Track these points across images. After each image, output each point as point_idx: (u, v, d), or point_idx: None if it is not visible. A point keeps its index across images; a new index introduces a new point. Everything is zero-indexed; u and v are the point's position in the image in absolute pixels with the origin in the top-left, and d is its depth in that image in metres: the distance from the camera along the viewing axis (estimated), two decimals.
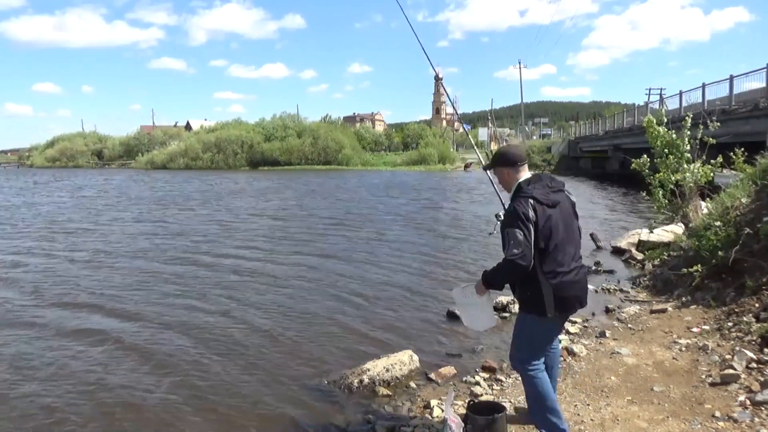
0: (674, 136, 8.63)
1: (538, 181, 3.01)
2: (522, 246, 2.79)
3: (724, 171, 9.11)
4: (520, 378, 3.53)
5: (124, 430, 3.77)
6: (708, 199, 8.27)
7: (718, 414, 3.28)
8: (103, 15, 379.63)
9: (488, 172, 3.36)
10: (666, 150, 8.69)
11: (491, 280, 3.04)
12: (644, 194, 9.54)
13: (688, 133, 8.61)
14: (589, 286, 6.72)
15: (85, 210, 18.52)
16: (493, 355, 4.81)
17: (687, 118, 8.78)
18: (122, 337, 5.51)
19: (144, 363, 4.88)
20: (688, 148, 8.54)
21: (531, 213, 2.84)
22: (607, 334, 4.98)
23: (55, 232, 13.06)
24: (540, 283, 2.86)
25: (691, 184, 8.50)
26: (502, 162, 3.13)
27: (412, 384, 4.31)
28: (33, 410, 4.04)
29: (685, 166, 8.53)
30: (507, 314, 5.83)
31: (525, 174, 3.08)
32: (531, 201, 2.87)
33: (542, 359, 3.08)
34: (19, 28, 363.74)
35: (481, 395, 3.90)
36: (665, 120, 9.01)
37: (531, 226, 2.82)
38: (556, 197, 2.96)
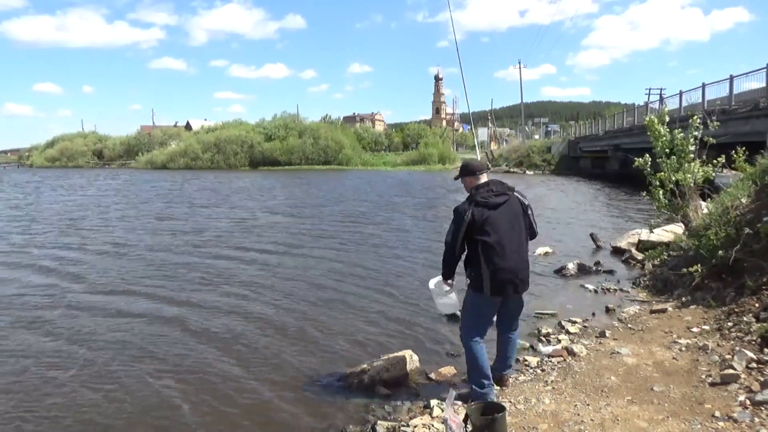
0: (680, 135, 8.60)
1: (484, 187, 3.72)
2: (450, 238, 3.70)
3: (724, 171, 9.10)
4: (515, 377, 4.12)
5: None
6: (708, 199, 8.27)
7: (718, 414, 3.28)
8: (104, 15, 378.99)
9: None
10: (668, 150, 8.67)
11: (443, 270, 3.92)
12: (644, 194, 9.54)
13: (695, 134, 8.59)
14: (589, 286, 6.89)
15: (98, 208, 18.98)
16: (493, 355, 4.79)
17: (695, 117, 8.74)
18: (134, 326, 5.62)
19: (135, 361, 4.89)
20: (692, 148, 8.53)
21: (468, 214, 3.62)
22: (607, 334, 4.98)
23: (76, 229, 13.51)
24: (481, 268, 3.62)
25: (691, 184, 8.49)
26: (465, 172, 3.88)
27: (412, 384, 4.30)
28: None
29: (687, 165, 8.52)
30: None
31: (483, 180, 3.79)
32: (472, 204, 3.66)
33: (482, 335, 3.80)
34: (20, 29, 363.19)
35: None
36: (667, 119, 9.00)
37: (462, 226, 3.62)
38: (497, 200, 3.66)
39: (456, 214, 3.70)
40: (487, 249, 3.60)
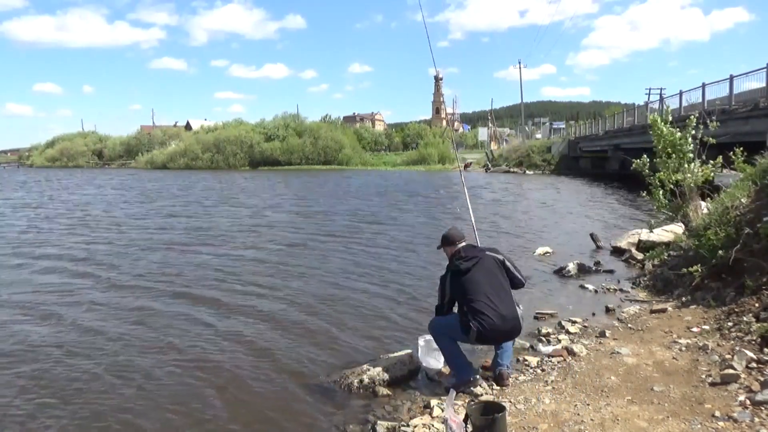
0: (678, 135, 8.62)
1: (456, 254, 4.18)
2: (438, 303, 4.26)
3: (724, 171, 9.11)
4: (515, 377, 4.19)
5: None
6: (708, 199, 8.27)
7: (718, 414, 3.28)
8: (105, 15, 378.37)
9: (447, 250, 4.37)
10: (668, 149, 8.69)
11: None
12: (644, 194, 9.54)
13: (692, 132, 8.60)
14: (589, 286, 6.91)
15: (111, 205, 19.83)
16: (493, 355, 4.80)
17: (692, 117, 8.76)
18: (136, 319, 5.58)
19: (134, 359, 4.89)
20: (691, 147, 8.54)
21: (448, 280, 4.14)
22: (607, 334, 4.98)
23: (89, 227, 13.92)
24: (470, 322, 3.92)
25: (691, 184, 8.51)
26: (444, 243, 4.34)
27: (412, 384, 4.31)
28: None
29: (686, 165, 8.53)
30: None
31: (461, 245, 4.23)
32: (450, 272, 4.15)
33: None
34: (21, 29, 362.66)
35: (481, 395, 3.90)
36: (670, 119, 9.00)
37: (445, 292, 4.16)
38: (467, 264, 4.07)
39: (439, 283, 4.24)
40: (473, 311, 3.92)
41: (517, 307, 4.07)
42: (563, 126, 61.79)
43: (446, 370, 4.47)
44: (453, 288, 4.10)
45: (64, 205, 20.03)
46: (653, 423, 3.26)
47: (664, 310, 5.53)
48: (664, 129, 8.71)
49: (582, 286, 7.12)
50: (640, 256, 8.50)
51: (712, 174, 8.60)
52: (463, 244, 4.23)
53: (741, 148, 7.99)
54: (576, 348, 4.60)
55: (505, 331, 3.99)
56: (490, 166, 46.68)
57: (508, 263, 4.19)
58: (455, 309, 4.19)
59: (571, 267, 7.95)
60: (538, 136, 61.32)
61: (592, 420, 3.35)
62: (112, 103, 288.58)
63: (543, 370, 4.26)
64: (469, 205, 5.89)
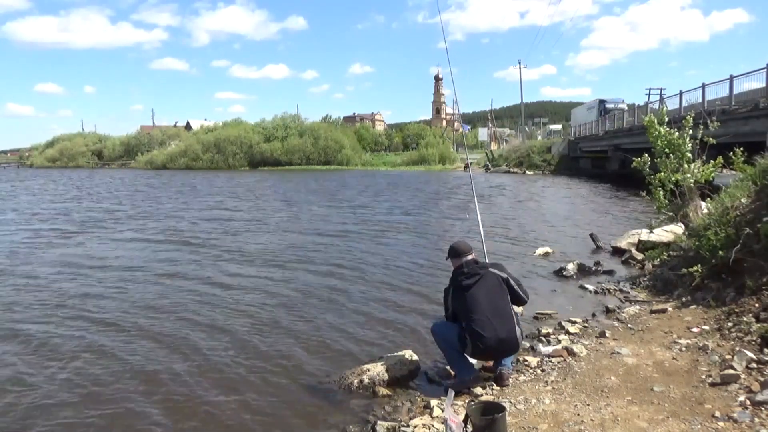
0: (675, 135, 8.63)
1: (458, 268, 4.22)
2: (445, 311, 4.33)
3: (724, 171, 9.11)
4: (515, 377, 4.19)
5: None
6: (708, 199, 8.27)
7: (718, 414, 3.28)
8: (109, 16, 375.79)
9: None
10: (667, 150, 8.69)
11: None
12: (644, 194, 9.54)
13: (690, 132, 8.61)
14: (589, 287, 6.90)
15: (155, 202, 21.42)
16: None
17: (688, 117, 8.78)
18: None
19: (134, 357, 4.89)
20: (689, 147, 8.54)
21: (450, 294, 4.23)
22: (607, 334, 4.98)
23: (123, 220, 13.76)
24: (467, 338, 4.00)
25: (691, 184, 8.51)
26: (450, 254, 4.35)
27: (412, 384, 4.31)
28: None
29: (686, 166, 8.53)
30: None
31: (464, 260, 4.22)
32: (452, 286, 4.22)
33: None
34: (23, 29, 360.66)
35: (481, 395, 3.90)
36: (666, 120, 9.01)
37: (448, 304, 4.25)
38: (468, 281, 4.09)
39: (443, 294, 4.34)
40: (471, 331, 3.97)
41: (517, 327, 4.07)
42: (622, 104, 53.91)
43: (451, 370, 4.47)
44: (454, 303, 4.15)
45: (110, 201, 21.85)
46: (653, 423, 3.26)
47: (664, 311, 5.53)
48: (661, 130, 8.71)
49: (582, 287, 7.12)
50: (640, 256, 8.50)
51: (712, 174, 8.60)
52: (469, 257, 4.21)
53: (741, 149, 7.99)
54: (576, 348, 4.59)
55: (501, 351, 4.05)
56: (489, 166, 46.69)
57: (511, 281, 4.18)
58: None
59: (571, 267, 7.95)
60: (557, 127, 60.57)
61: (592, 420, 3.35)
62: (113, 104, 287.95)
63: (543, 371, 4.26)
64: (479, 218, 5.91)
